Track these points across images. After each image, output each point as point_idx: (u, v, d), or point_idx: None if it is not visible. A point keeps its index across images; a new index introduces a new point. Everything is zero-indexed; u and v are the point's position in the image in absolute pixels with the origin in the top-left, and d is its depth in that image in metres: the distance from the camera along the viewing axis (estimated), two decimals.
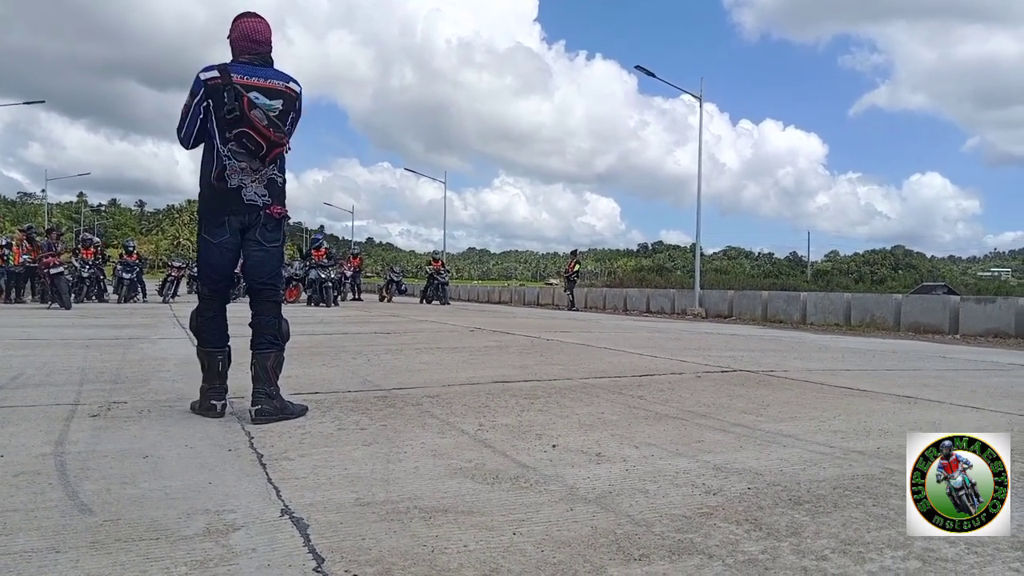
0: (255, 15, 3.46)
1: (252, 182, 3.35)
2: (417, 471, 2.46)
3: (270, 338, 3.38)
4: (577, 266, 22.20)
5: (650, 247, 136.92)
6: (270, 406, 3.27)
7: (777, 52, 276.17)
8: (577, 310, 20.84)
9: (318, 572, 1.61)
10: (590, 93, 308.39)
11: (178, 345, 6.88)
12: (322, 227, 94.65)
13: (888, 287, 61.68)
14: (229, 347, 3.49)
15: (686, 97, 22.30)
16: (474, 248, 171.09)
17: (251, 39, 3.39)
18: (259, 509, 2.02)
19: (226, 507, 2.04)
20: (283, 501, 2.10)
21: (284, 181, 3.49)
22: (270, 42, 3.44)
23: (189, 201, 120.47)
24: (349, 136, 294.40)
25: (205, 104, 3.28)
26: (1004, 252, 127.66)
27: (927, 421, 3.55)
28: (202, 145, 3.38)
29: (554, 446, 2.85)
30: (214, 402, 3.39)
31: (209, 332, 3.45)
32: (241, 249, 3.40)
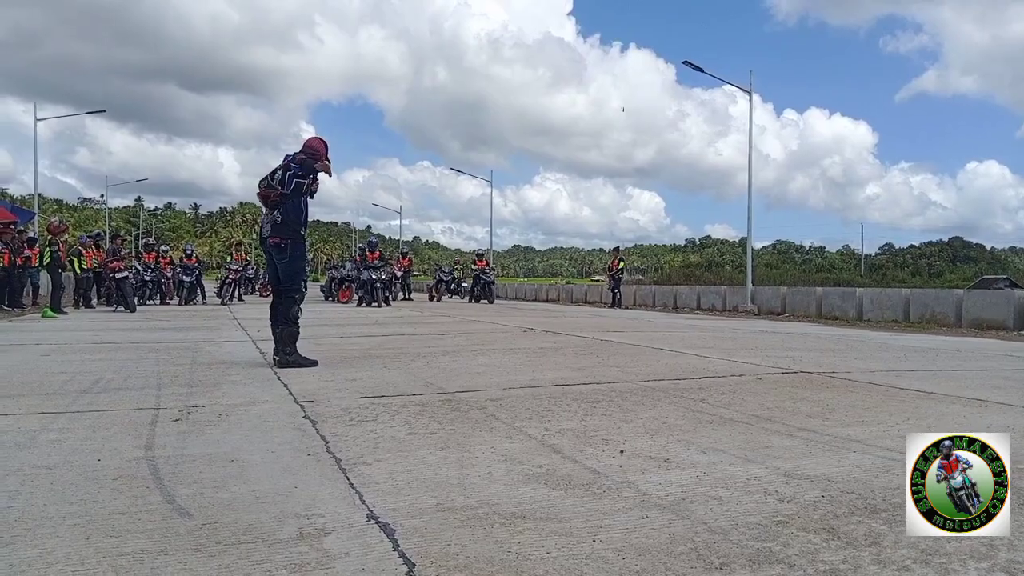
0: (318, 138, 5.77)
1: (266, 223, 5.55)
2: (491, 476, 2.52)
3: (283, 318, 5.51)
4: (621, 263, 22.09)
5: (697, 242, 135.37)
6: (283, 359, 5.38)
7: (817, 36, 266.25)
8: (626, 308, 20.73)
9: None
10: (627, 84, 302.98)
11: (243, 348, 7.10)
12: (369, 228, 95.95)
13: (947, 281, 59.69)
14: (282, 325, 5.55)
15: (727, 87, 21.96)
16: (519, 245, 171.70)
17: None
18: (346, 514, 2.12)
19: (314, 511, 2.13)
20: (367, 506, 2.18)
21: (282, 220, 5.43)
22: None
23: (241, 204, 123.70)
24: (386, 135, 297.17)
25: None
26: None
27: (1000, 426, 3.48)
28: None
29: (622, 451, 2.89)
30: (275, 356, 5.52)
31: (274, 312, 5.66)
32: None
